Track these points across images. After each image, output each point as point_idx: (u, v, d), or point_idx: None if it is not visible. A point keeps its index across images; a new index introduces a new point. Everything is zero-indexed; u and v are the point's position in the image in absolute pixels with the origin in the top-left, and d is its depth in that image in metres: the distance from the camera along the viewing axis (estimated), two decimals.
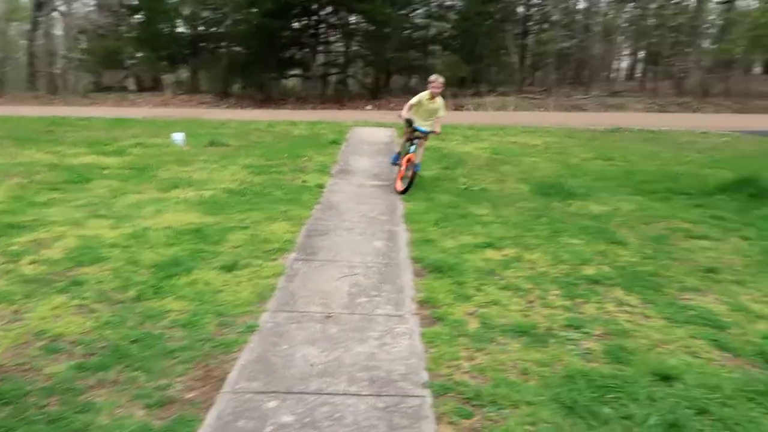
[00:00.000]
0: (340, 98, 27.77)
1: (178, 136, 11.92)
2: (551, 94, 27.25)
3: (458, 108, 23.93)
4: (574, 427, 2.77)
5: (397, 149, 11.23)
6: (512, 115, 21.06)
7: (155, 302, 4.13)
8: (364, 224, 6.27)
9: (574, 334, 3.78)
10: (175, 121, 17.10)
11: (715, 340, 3.76)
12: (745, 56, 28.99)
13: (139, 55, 30.45)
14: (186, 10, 30.70)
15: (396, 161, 8.24)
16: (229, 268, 4.78)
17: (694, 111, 23.82)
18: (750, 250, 5.65)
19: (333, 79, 31.61)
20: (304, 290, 4.41)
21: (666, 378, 3.24)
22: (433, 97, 7.54)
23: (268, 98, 27.60)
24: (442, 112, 7.70)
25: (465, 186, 8.20)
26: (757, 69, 40.23)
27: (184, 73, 34.16)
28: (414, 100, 7.61)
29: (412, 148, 7.59)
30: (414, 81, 36.87)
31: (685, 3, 30.34)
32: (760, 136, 14.41)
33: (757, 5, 26.86)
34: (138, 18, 31.06)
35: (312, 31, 28.89)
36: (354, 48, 31.00)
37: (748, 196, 7.64)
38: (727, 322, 4.04)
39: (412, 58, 30.62)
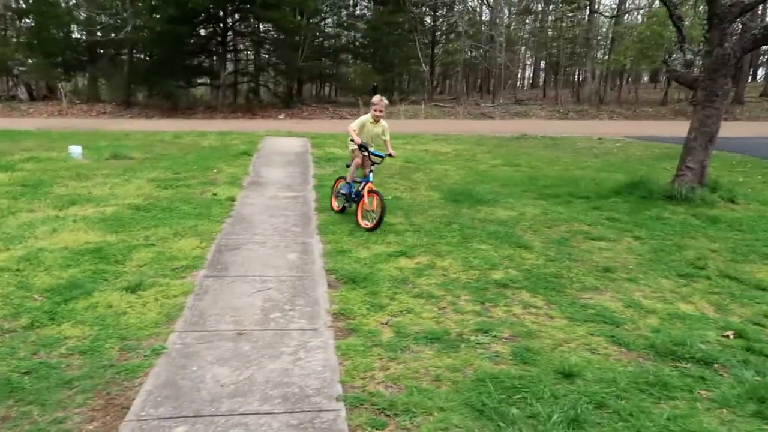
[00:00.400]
0: (252, 107, 27.28)
1: (76, 149, 11.25)
2: (460, 102, 28.12)
3: None
4: (483, 430, 2.86)
5: (312, 164, 11.17)
6: (423, 123, 21.54)
7: (51, 329, 3.86)
8: (277, 237, 6.19)
9: (483, 338, 3.91)
10: (73, 133, 16.13)
11: (612, 336, 4.01)
12: (633, 67, 31.28)
13: (29, 61, 28.44)
14: (81, 15, 29.07)
15: (350, 191, 7.00)
16: (134, 288, 4.56)
17: (592, 118, 25.38)
18: (641, 249, 6.09)
19: (244, 87, 31.06)
20: (215, 308, 4.28)
21: (568, 375, 3.41)
22: (377, 120, 6.81)
23: (175, 107, 26.64)
24: (387, 135, 6.96)
25: None
26: (645, 78, 43.59)
27: (82, 81, 32.32)
28: (356, 124, 6.77)
29: (371, 175, 6.65)
30: (327, 89, 36.97)
31: (580, 17, 32.35)
32: (647, 141, 15.58)
33: (642, 20, 29.09)
34: (27, 22, 29.05)
35: (219, 38, 28.21)
36: (264, 56, 30.62)
37: (639, 197, 8.24)
38: (622, 318, 4.33)
39: (324, 66, 30.69)
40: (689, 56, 9.73)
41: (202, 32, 28.94)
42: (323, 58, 30.75)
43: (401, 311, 4.31)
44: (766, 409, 3.11)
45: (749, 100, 28.49)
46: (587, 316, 4.34)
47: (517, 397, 3.17)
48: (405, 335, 3.90)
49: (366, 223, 6.48)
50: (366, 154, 6.66)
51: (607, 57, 30.24)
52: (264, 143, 13.44)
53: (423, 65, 31.02)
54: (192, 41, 27.84)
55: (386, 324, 4.08)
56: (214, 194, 8.03)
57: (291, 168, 10.37)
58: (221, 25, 28.01)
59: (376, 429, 2.85)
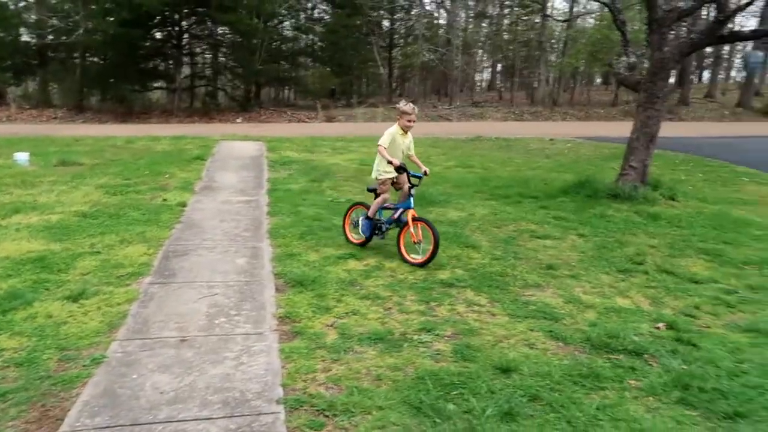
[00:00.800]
0: (209, 111, 26.90)
1: (22, 156, 10.92)
2: (418, 104, 28.36)
3: (329, 120, 24.15)
4: (420, 426, 2.93)
5: (266, 168, 11.09)
6: (381, 126, 21.57)
7: None
8: (227, 242, 6.16)
9: (426, 337, 3.99)
10: (21, 139, 15.61)
11: (551, 331, 4.14)
12: (586, 69, 32.11)
13: None
14: (31, 18, 28.18)
15: (376, 230, 5.92)
16: (76, 297, 4.48)
17: (546, 119, 25.94)
18: (584, 246, 6.30)
19: (201, 91, 30.63)
20: (159, 315, 4.25)
21: (506, 370, 3.52)
22: (406, 131, 5.83)
23: (130, 112, 26.05)
24: (413, 149, 6.00)
25: (332, 198, 8.31)
26: (598, 80, 44.76)
27: (32, 86, 31.34)
28: (386, 140, 5.65)
29: (412, 200, 5.68)
30: (286, 92, 36.77)
31: (534, 20, 33.01)
32: (597, 141, 16.03)
33: (594, 24, 29.90)
34: None
35: (174, 41, 27.75)
36: (221, 59, 30.27)
37: (585, 196, 8.48)
38: (561, 313, 4.48)
39: (282, 69, 30.52)
40: (633, 59, 10.07)
41: (158, 35, 28.42)
42: (281, 62, 30.58)
43: (347, 313, 4.36)
44: (689, 396, 3.27)
45: (694, 101, 29.59)
46: (528, 312, 4.47)
47: (454, 393, 3.25)
48: (349, 336, 3.95)
49: (414, 258, 5.52)
50: (404, 174, 5.66)
51: (560, 60, 30.95)
52: (219, 147, 13.30)
53: (381, 68, 31.18)
54: (147, 44, 27.29)
55: (332, 326, 4.13)
56: (165, 200, 7.92)
57: (245, 172, 10.30)
58: (176, 28, 27.57)
59: (315, 430, 2.89)
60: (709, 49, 34.95)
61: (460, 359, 3.67)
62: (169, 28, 27.84)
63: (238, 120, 24.87)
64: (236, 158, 11.87)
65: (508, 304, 4.61)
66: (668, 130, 17.54)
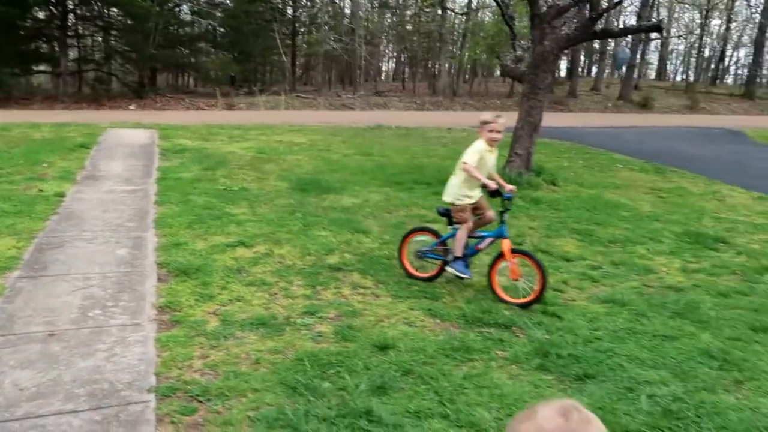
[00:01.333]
0: (99, 97, 25.31)
1: None
2: (321, 93, 28.23)
3: (230, 107, 23.50)
4: (294, 405, 2.99)
5: (157, 157, 10.65)
6: (283, 114, 21.33)
7: None
8: (108, 233, 5.88)
9: (309, 320, 4.05)
10: None
11: (430, 310, 4.34)
12: (486, 61, 33.28)
13: None
14: None
15: (464, 261, 4.81)
16: None
17: (446, 109, 26.65)
18: None
19: (91, 75, 28.74)
20: (27, 310, 4.02)
21: (383, 348, 3.65)
22: (492, 146, 4.83)
23: (8, 97, 23.98)
24: (495, 166, 5.02)
25: (224, 186, 8.13)
26: (497, 73, 46.50)
27: None
28: (473, 157, 4.61)
29: (506, 228, 4.69)
30: (186, 78, 35.35)
31: (437, 12, 33.71)
32: None
33: (491, 18, 31.04)
34: None
35: (59, 22, 25.83)
36: (112, 43, 28.56)
37: None
38: (442, 292, 4.69)
39: (180, 55, 29.29)
40: (519, 52, 10.59)
41: (40, 15, 26.31)
42: (179, 47, 29.30)
43: (231, 300, 4.33)
44: (547, 362, 3.56)
45: (582, 94, 31.48)
46: (411, 293, 4.65)
47: (331, 372, 3.34)
48: (231, 323, 3.93)
49: (513, 297, 4.56)
50: (498, 198, 4.65)
51: (459, 52, 31.85)
52: (106, 135, 12.58)
53: (284, 56, 30.66)
54: (27, 25, 25.22)
55: (214, 314, 4.09)
56: (41, 190, 7.41)
57: (133, 161, 9.84)
58: (60, 7, 25.65)
59: (186, 415, 2.88)
60: (596, 45, 37.32)
61: (341, 340, 3.77)
62: (53, 8, 25.86)
63: (131, 107, 23.61)
64: (125, 146, 11.30)
65: (392, 286, 4.77)
66: (557, 120, 18.62)
